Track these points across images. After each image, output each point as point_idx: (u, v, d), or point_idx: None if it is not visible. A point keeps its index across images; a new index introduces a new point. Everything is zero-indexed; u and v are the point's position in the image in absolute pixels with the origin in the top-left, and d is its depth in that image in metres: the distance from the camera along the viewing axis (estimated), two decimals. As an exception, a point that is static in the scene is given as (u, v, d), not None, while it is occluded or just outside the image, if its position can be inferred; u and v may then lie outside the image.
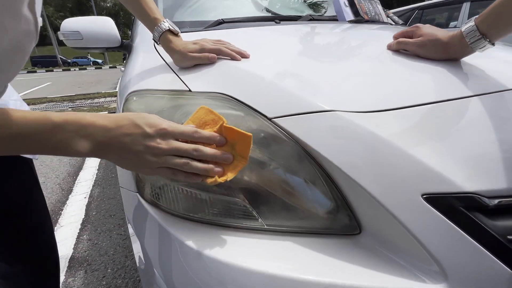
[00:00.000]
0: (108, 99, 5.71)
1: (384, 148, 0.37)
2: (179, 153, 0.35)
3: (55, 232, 0.96)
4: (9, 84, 0.49)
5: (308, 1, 1.29)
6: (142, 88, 0.54)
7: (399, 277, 0.34)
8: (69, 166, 2.30)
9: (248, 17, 0.97)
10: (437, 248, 0.33)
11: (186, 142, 0.37)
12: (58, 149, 0.33)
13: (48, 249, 0.67)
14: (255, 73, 0.50)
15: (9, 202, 0.57)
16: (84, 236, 1.40)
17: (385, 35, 0.76)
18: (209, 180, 0.36)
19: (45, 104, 5.33)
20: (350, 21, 1.00)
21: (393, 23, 1.19)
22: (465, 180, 0.34)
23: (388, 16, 1.19)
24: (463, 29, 0.48)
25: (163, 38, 0.60)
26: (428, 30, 0.55)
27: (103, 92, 6.71)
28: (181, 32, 0.63)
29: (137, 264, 0.51)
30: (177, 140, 0.36)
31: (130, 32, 1.20)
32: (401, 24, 1.26)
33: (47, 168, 2.26)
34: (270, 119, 0.41)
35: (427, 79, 0.48)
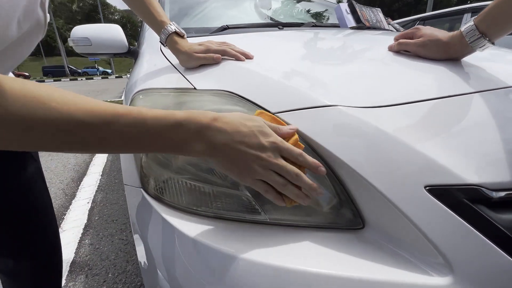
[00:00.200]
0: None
1: (387, 142, 0.37)
2: (281, 171, 0.35)
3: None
4: (11, 73, 0.52)
5: (311, 11, 1.33)
6: (148, 87, 0.55)
7: (404, 270, 0.33)
8: (73, 172, 2.32)
9: (252, 23, 1.00)
10: (441, 240, 0.32)
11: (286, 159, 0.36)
12: (179, 147, 0.33)
13: (52, 249, 0.68)
14: (259, 72, 0.51)
15: (19, 200, 0.58)
16: (86, 241, 1.39)
17: (386, 39, 0.78)
18: (288, 203, 0.37)
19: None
20: (352, 28, 1.02)
21: (394, 30, 1.21)
22: (468, 172, 0.34)
23: (389, 24, 1.22)
24: (462, 28, 0.49)
25: (169, 40, 0.62)
26: (428, 30, 0.56)
27: (108, 100, 6.80)
28: (187, 37, 0.65)
29: (140, 263, 0.51)
30: (282, 156, 0.36)
31: (136, 43, 1.24)
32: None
33: (52, 173, 2.28)
34: (273, 114, 0.42)
35: (429, 76, 0.49)
